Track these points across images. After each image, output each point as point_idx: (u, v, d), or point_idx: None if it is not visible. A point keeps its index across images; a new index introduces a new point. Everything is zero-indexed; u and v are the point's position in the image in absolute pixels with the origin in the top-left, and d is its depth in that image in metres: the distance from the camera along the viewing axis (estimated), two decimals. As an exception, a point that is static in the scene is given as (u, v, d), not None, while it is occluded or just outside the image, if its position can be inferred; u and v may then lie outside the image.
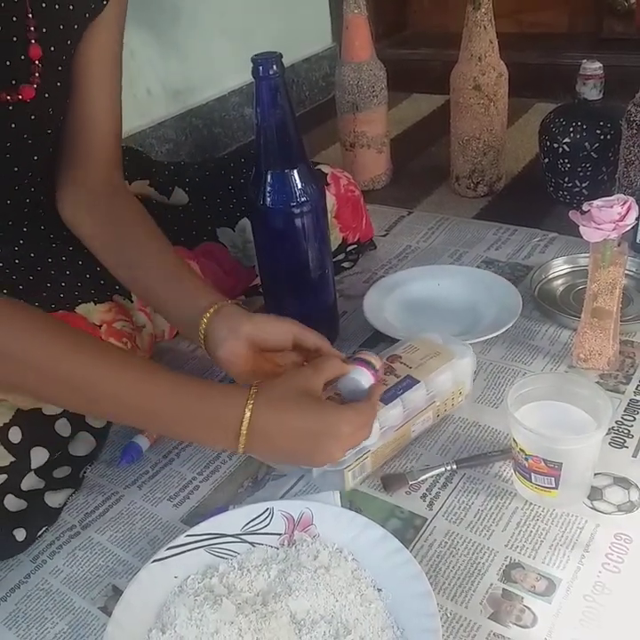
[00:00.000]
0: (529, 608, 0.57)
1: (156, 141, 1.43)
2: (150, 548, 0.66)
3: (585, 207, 0.73)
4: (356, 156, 1.31)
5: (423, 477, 0.69)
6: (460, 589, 0.59)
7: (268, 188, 0.78)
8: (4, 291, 0.72)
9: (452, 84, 1.19)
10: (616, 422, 0.73)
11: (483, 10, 1.12)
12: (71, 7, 0.73)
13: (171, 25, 1.45)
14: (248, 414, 0.58)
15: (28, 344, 0.56)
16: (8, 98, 0.69)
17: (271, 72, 0.73)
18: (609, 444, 0.71)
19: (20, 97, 0.70)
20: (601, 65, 1.08)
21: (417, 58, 1.85)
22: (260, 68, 0.73)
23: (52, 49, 0.72)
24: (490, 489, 0.68)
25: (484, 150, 1.21)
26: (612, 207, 0.72)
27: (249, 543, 0.63)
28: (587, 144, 1.09)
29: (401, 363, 0.74)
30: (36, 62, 0.71)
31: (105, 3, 0.75)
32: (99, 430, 0.77)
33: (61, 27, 0.73)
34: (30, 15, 0.69)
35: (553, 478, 0.62)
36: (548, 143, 1.13)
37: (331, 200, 0.99)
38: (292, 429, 0.60)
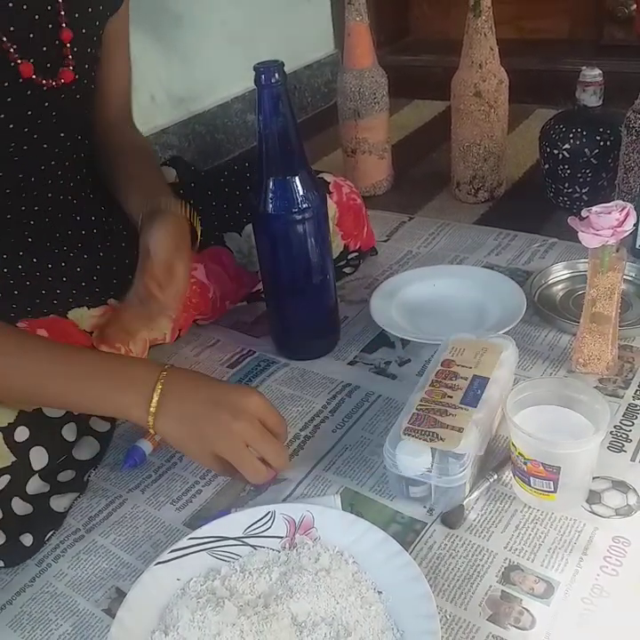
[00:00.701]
0: (528, 610, 0.57)
1: (160, 148, 1.44)
2: (153, 550, 0.67)
3: (583, 213, 0.74)
4: (358, 162, 1.32)
5: (474, 496, 0.68)
6: (459, 591, 0.60)
7: (270, 195, 0.79)
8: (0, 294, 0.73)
9: (453, 91, 1.20)
10: (614, 427, 0.74)
11: (483, 17, 1.13)
12: None
13: (174, 32, 1.46)
14: (164, 374, 0.64)
15: None
16: (53, 84, 0.73)
17: (273, 80, 0.74)
18: (607, 448, 0.72)
19: (63, 81, 0.74)
20: (600, 72, 1.09)
21: (418, 64, 1.86)
22: (262, 76, 0.74)
23: (83, 31, 0.76)
24: (489, 493, 0.69)
25: (485, 156, 1.22)
26: (610, 213, 0.73)
27: (251, 546, 0.64)
28: (586, 150, 1.10)
29: (458, 365, 0.74)
30: (67, 45, 0.74)
31: None
32: (103, 434, 0.78)
33: (90, 10, 0.78)
34: (60, 0, 0.73)
35: (551, 482, 0.63)
36: (548, 149, 1.14)
37: (333, 208, 1.00)
38: (199, 396, 0.64)
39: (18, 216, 0.80)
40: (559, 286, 0.98)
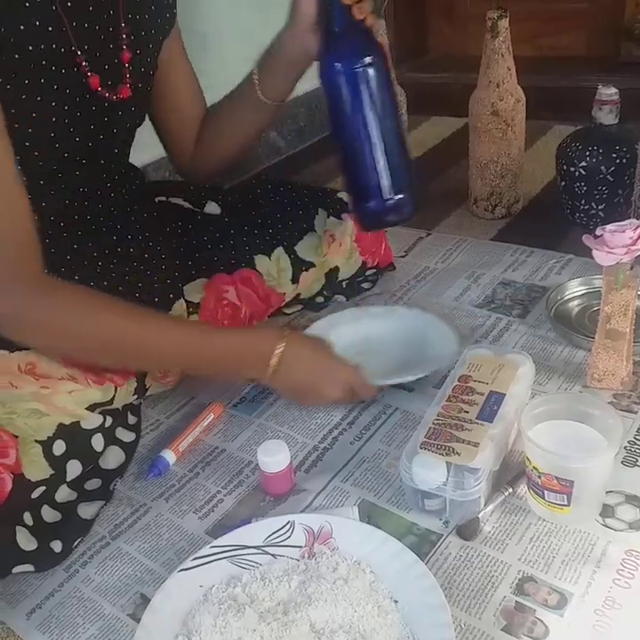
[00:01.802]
0: (541, 620, 0.59)
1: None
2: (176, 558, 0.69)
3: (598, 232, 0.76)
4: (376, 178, 1.34)
5: (489, 509, 0.69)
6: (473, 601, 0.61)
7: (336, 51, 0.80)
8: None
9: (471, 109, 1.22)
10: (628, 442, 0.75)
11: (501, 38, 1.15)
12: (159, 20, 0.87)
13: (198, 54, 1.49)
14: (283, 344, 0.76)
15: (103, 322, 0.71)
16: (114, 98, 0.80)
17: None
18: (621, 462, 0.73)
19: (121, 96, 0.81)
20: (617, 90, 1.10)
21: (437, 81, 1.89)
22: None
23: (138, 52, 0.83)
24: (504, 506, 0.70)
25: (502, 173, 1.23)
26: (623, 232, 0.74)
27: (271, 555, 0.66)
28: (603, 168, 1.11)
29: (475, 381, 0.76)
30: (127, 65, 0.82)
31: (175, 11, 0.90)
32: (128, 444, 0.81)
33: (143, 33, 0.84)
34: (123, 24, 0.80)
35: (565, 496, 0.64)
36: (565, 167, 1.16)
37: (350, 226, 1.02)
38: (312, 365, 0.80)
39: (66, 228, 0.83)
40: (575, 302, 0.99)
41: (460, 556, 0.66)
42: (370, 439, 0.81)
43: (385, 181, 0.83)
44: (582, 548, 0.65)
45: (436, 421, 0.71)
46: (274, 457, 0.73)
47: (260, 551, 0.66)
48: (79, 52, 0.75)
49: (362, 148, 0.83)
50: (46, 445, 0.68)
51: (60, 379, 0.71)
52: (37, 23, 0.70)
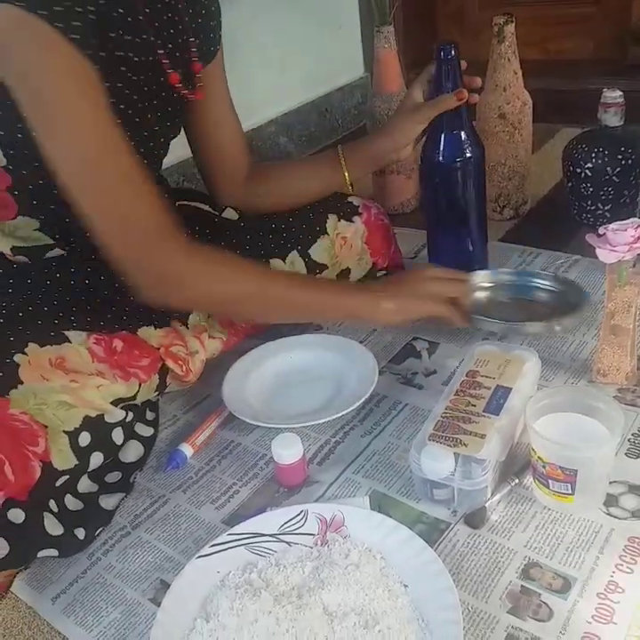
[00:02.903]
0: (546, 603, 0.61)
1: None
2: (194, 546, 0.72)
3: (601, 231, 0.78)
4: (386, 181, 1.37)
5: (496, 499, 0.71)
6: (480, 586, 0.63)
7: (441, 146, 0.98)
8: (73, 308, 0.80)
9: (478, 113, 1.24)
10: (632, 434, 0.77)
11: (507, 43, 1.18)
12: (211, 35, 0.92)
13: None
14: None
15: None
16: (192, 96, 0.86)
17: (450, 56, 0.93)
18: (625, 454, 0.75)
19: (198, 98, 0.87)
20: (621, 93, 1.12)
21: (446, 86, 1.91)
22: (442, 52, 0.94)
23: (203, 62, 0.89)
24: (511, 496, 0.72)
25: (510, 175, 1.26)
26: (626, 230, 0.76)
27: (285, 542, 0.69)
28: (608, 169, 1.13)
29: (482, 376, 0.78)
30: (198, 75, 0.88)
31: (220, 33, 0.94)
32: (147, 439, 0.84)
33: (205, 47, 0.90)
34: (192, 39, 0.86)
35: (569, 485, 0.67)
36: (571, 168, 1.18)
37: (361, 228, 1.05)
38: (395, 283, 0.90)
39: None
40: (482, 294, 0.99)
41: (468, 543, 0.68)
42: (380, 433, 0.84)
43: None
44: (586, 535, 0.67)
45: (444, 414, 0.74)
46: (288, 449, 0.75)
47: (274, 539, 0.69)
48: (161, 51, 0.80)
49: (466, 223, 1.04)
50: (73, 436, 0.71)
51: (89, 374, 0.74)
52: (122, 31, 0.75)
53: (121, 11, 0.75)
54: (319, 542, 0.68)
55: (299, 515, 0.70)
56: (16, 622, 0.68)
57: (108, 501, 0.77)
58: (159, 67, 0.81)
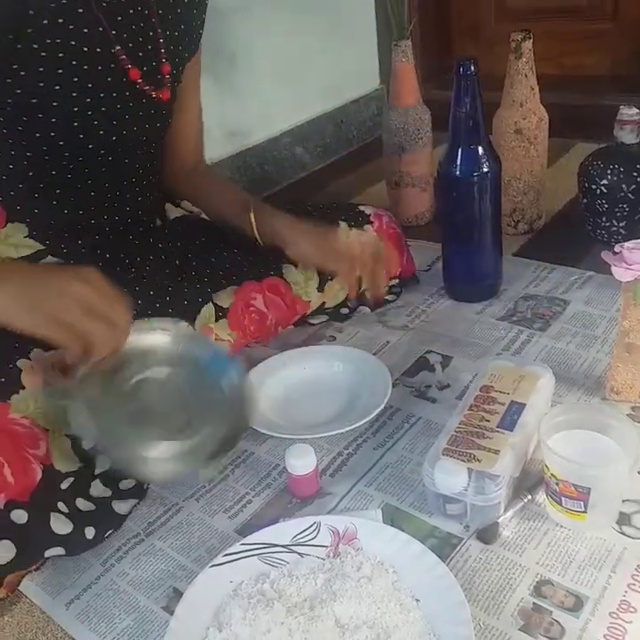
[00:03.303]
0: (557, 621, 0.61)
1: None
2: (207, 554, 0.73)
3: (617, 249, 0.78)
4: (401, 194, 1.38)
5: (509, 515, 0.71)
6: (492, 602, 0.64)
7: (459, 161, 1.00)
8: None
9: (495, 128, 1.25)
10: (646, 453, 0.77)
11: (524, 59, 1.18)
12: (186, 39, 0.91)
13: (228, 71, 1.55)
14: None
15: None
16: (153, 94, 0.85)
17: (469, 72, 0.96)
18: (639, 472, 0.75)
19: (160, 96, 0.86)
20: (638, 111, 1.13)
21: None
22: (462, 68, 0.96)
23: (177, 60, 0.89)
24: (524, 512, 0.72)
25: (525, 190, 1.26)
26: (642, 249, 0.77)
27: (297, 553, 0.69)
28: (623, 186, 1.14)
29: (496, 391, 0.79)
30: (167, 76, 0.87)
31: (201, 32, 0.94)
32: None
33: (181, 47, 0.90)
34: (161, 39, 0.85)
35: (582, 502, 0.67)
36: (587, 185, 1.18)
37: (373, 236, 1.06)
38: (40, 274, 0.67)
39: (90, 230, 0.88)
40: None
41: (480, 558, 0.68)
42: (393, 446, 0.84)
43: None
44: (598, 553, 0.67)
45: (458, 429, 0.74)
46: (301, 460, 0.76)
47: (287, 550, 0.69)
48: (119, 46, 0.79)
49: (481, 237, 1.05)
50: (75, 439, 0.72)
51: None
52: (72, 24, 0.74)
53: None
54: (331, 554, 0.69)
55: (311, 526, 0.71)
56: (30, 627, 0.69)
57: (120, 506, 0.78)
58: (117, 61, 0.80)
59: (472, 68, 0.96)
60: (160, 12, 0.85)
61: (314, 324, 1.09)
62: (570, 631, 0.60)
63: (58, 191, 0.83)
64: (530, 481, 0.75)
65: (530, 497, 0.73)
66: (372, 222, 1.07)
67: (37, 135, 0.77)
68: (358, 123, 1.94)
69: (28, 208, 0.83)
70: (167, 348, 0.71)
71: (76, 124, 0.79)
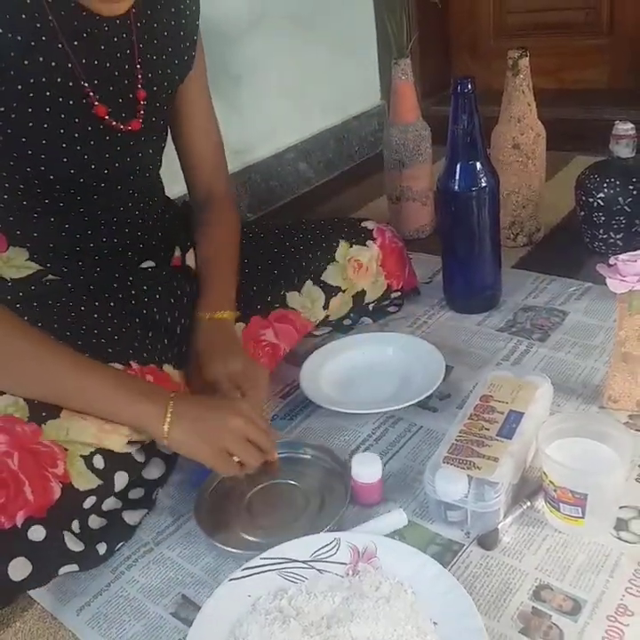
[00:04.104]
0: (556, 625, 0.63)
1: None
2: (215, 562, 0.75)
3: (611, 261, 0.81)
4: (402, 208, 1.40)
5: (508, 521, 0.73)
6: (493, 606, 0.65)
7: (457, 176, 1.03)
8: (103, 340, 0.83)
9: (493, 143, 1.27)
10: (643, 460, 0.79)
11: (521, 76, 1.21)
12: (176, 61, 0.91)
13: (233, 91, 1.59)
14: (172, 395, 0.75)
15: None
16: (121, 127, 0.85)
17: (466, 90, 0.98)
18: (635, 479, 0.76)
19: (130, 128, 0.86)
20: (633, 125, 1.15)
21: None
22: (459, 86, 0.99)
23: (155, 89, 0.88)
24: (523, 519, 0.74)
25: (523, 204, 1.28)
26: (636, 261, 0.79)
27: (316, 570, 0.69)
28: (620, 199, 1.16)
29: (495, 400, 0.80)
30: (142, 102, 0.87)
31: (193, 54, 0.94)
32: (169, 456, 0.86)
33: (160, 72, 0.89)
34: (138, 65, 0.85)
35: (579, 508, 0.68)
36: (584, 198, 1.21)
37: (376, 251, 1.08)
38: (205, 410, 0.76)
39: (89, 252, 0.90)
40: None
41: (481, 564, 0.70)
42: (395, 455, 0.86)
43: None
44: (596, 558, 0.68)
45: (458, 438, 0.76)
46: (368, 468, 0.77)
47: (306, 565, 0.69)
48: (86, 84, 0.79)
49: (480, 250, 1.08)
50: (88, 459, 0.73)
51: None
52: (42, 59, 0.75)
53: (39, 38, 0.74)
54: (350, 572, 0.68)
55: (331, 543, 0.70)
56: (42, 633, 0.71)
57: (130, 517, 0.79)
58: (85, 95, 0.80)
59: (469, 86, 0.99)
60: (141, 45, 0.84)
61: (317, 336, 1.11)
62: (568, 634, 0.62)
63: (53, 219, 0.85)
64: (529, 488, 0.77)
65: (529, 504, 0.75)
66: (374, 238, 1.09)
67: (28, 169, 0.80)
68: (360, 138, 1.97)
69: (27, 232, 0.85)
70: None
71: (65, 159, 0.81)
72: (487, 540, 0.72)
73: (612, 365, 0.86)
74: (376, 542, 0.70)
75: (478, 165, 1.02)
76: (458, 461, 0.73)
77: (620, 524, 0.71)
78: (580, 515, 0.69)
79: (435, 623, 0.62)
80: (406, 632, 0.60)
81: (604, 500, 0.69)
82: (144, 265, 0.96)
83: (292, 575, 0.68)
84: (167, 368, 0.87)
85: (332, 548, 0.70)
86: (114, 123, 0.84)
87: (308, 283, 1.03)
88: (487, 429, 0.77)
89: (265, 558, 0.69)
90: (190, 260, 1.01)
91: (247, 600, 0.66)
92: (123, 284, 0.92)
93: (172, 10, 0.89)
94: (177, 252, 1.01)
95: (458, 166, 1.03)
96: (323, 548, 0.70)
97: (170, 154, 0.99)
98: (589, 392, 0.91)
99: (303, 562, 0.69)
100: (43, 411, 0.71)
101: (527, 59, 1.20)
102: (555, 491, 0.69)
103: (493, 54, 1.97)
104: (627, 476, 0.75)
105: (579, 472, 0.68)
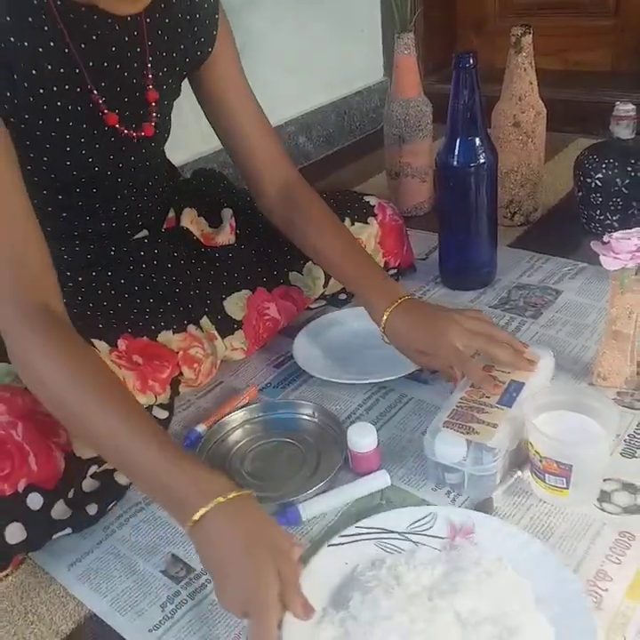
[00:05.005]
0: (537, 588, 0.64)
1: (218, 165, 1.55)
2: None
3: (605, 238, 0.81)
4: (401, 184, 1.40)
5: (502, 491, 0.74)
6: (475, 570, 0.67)
7: (456, 152, 1.03)
8: (98, 313, 0.84)
9: (493, 121, 1.27)
10: (628, 435, 0.80)
11: (524, 53, 1.21)
12: (187, 59, 0.87)
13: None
14: (204, 510, 0.60)
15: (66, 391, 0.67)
16: (134, 135, 0.84)
17: (468, 65, 0.98)
18: (620, 453, 0.78)
19: (143, 134, 0.85)
20: (634, 107, 1.15)
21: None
22: (461, 60, 0.98)
23: (165, 88, 0.86)
24: (509, 488, 0.75)
25: (522, 182, 1.29)
26: (629, 239, 0.79)
27: (413, 542, 0.68)
28: (618, 180, 1.16)
29: (497, 370, 0.80)
30: (153, 104, 0.84)
31: (210, 50, 0.89)
32: (162, 421, 0.88)
33: (166, 70, 0.85)
34: (149, 65, 0.82)
35: (564, 479, 0.70)
36: (582, 178, 1.21)
37: (376, 228, 1.09)
38: (232, 537, 0.60)
39: (101, 234, 0.91)
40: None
41: (466, 529, 0.71)
42: (386, 423, 0.87)
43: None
44: (579, 527, 0.70)
45: (459, 404, 0.77)
46: (364, 438, 0.78)
47: (403, 537, 0.69)
48: (95, 91, 0.77)
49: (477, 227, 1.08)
50: None
51: None
52: (50, 67, 0.73)
53: (47, 43, 0.72)
54: (448, 546, 0.67)
55: (427, 516, 0.70)
56: (34, 586, 0.72)
57: (122, 477, 0.80)
58: (93, 102, 0.78)
59: (471, 60, 0.98)
60: (150, 43, 0.81)
61: (312, 308, 1.12)
62: (548, 598, 0.63)
63: (50, 208, 0.84)
64: (519, 458, 0.78)
65: (520, 473, 0.76)
66: (375, 214, 1.10)
67: (36, 178, 0.78)
68: (361, 114, 1.97)
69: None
70: None
71: (75, 166, 0.81)
72: (483, 508, 0.73)
73: (603, 343, 0.87)
74: (474, 518, 0.69)
75: (477, 141, 1.03)
76: (458, 426, 0.74)
77: (604, 496, 0.73)
78: (565, 485, 0.70)
79: (539, 602, 0.60)
80: (512, 609, 0.59)
81: (588, 471, 0.70)
82: (139, 235, 0.96)
83: (389, 546, 0.68)
84: (163, 336, 0.88)
85: (429, 521, 0.70)
86: (125, 131, 0.82)
87: (309, 263, 1.04)
88: (488, 397, 0.77)
89: (360, 527, 0.69)
90: (185, 220, 1.00)
91: (345, 567, 0.66)
92: (118, 257, 0.93)
93: (188, 2, 0.84)
94: (171, 214, 1.01)
95: (457, 141, 1.03)
96: (418, 520, 0.70)
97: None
98: (579, 369, 0.92)
99: (399, 533, 0.69)
100: None
101: (530, 36, 1.20)
102: (541, 461, 0.71)
103: (498, 33, 1.95)
104: (612, 450, 0.77)
105: (565, 443, 0.69)
